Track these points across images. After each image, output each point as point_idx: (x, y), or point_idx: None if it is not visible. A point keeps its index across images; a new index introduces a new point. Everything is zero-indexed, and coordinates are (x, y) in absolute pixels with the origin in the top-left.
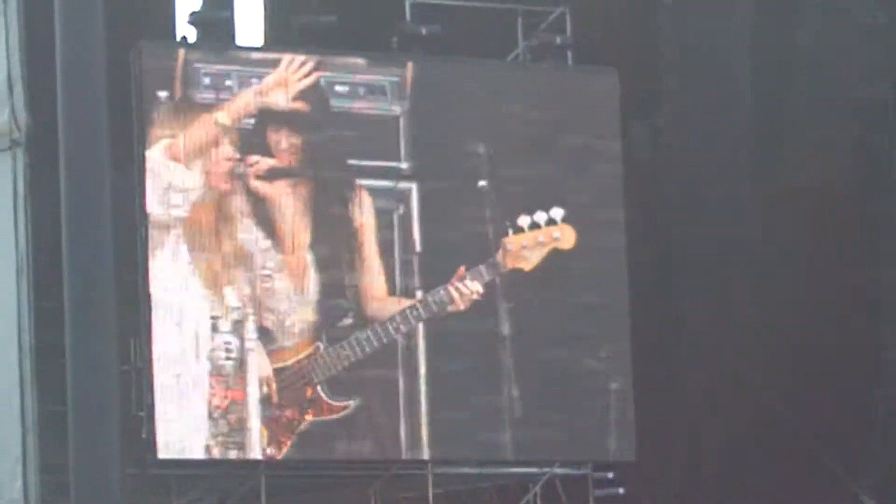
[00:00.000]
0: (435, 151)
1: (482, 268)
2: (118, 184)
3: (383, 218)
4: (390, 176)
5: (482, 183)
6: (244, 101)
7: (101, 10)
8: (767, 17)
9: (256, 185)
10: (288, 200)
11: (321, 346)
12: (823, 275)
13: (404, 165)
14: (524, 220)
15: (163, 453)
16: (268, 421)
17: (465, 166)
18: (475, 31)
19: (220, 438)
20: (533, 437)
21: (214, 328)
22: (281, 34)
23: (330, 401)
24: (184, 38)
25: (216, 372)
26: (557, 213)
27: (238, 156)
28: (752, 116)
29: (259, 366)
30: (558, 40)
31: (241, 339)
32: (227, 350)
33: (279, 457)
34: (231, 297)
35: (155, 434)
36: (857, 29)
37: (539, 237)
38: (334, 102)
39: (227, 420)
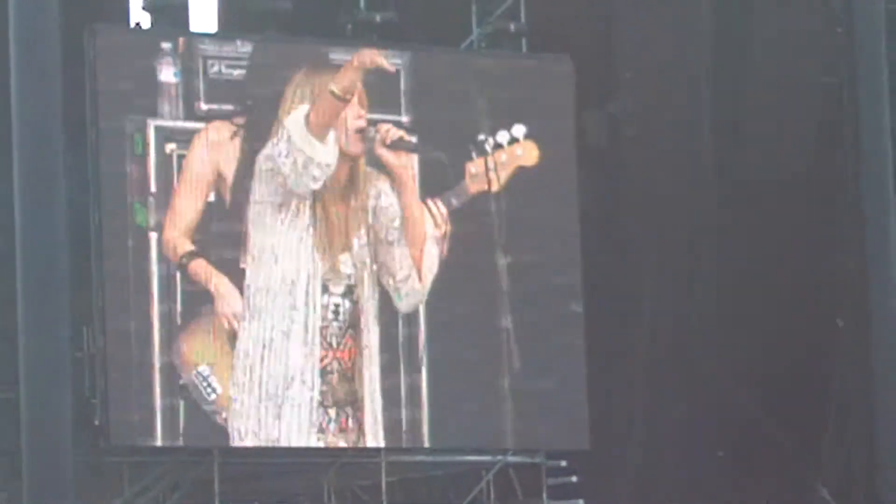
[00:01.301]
0: (435, 105)
1: (449, 194)
2: (73, 165)
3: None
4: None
5: (482, 137)
6: (348, 75)
7: None
8: (726, 4)
9: (382, 152)
10: (408, 173)
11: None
12: (782, 263)
13: (404, 119)
14: (488, 144)
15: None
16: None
17: (465, 120)
18: (429, 17)
19: (316, 395)
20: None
21: (325, 290)
22: (235, 20)
23: None
24: (137, 24)
25: (322, 333)
26: (519, 130)
27: (364, 112)
28: (711, 105)
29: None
30: (513, 27)
31: (354, 303)
32: (336, 313)
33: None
34: (346, 262)
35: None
36: (813, 16)
37: (502, 157)
38: (333, 56)
39: (328, 380)
